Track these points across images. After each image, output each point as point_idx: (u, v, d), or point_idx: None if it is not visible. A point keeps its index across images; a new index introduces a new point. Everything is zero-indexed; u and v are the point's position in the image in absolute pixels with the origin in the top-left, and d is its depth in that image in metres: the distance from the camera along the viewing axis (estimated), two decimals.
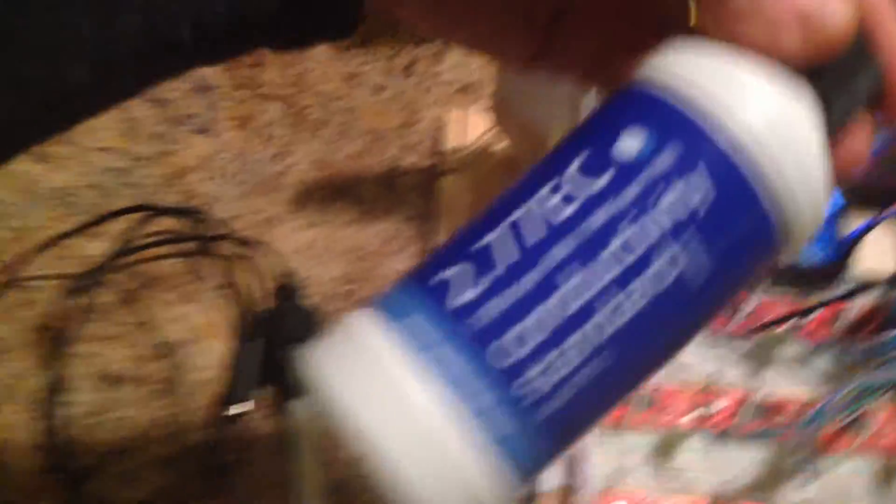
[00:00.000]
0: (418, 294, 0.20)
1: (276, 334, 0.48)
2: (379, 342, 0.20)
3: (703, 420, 0.45)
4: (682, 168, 0.20)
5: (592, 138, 0.21)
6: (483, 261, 0.20)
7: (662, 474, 0.44)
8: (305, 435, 0.45)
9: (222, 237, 0.52)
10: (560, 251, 0.19)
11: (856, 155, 0.23)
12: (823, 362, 0.46)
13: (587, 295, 0.19)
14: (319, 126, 0.58)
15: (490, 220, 0.21)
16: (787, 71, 0.21)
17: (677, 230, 0.19)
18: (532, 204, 0.20)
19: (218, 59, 0.24)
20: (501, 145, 0.55)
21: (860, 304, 0.48)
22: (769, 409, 0.45)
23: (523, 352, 0.19)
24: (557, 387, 0.19)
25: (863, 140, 0.23)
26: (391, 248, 0.53)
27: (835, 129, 0.22)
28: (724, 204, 0.20)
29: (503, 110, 0.49)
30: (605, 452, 0.44)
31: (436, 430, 0.19)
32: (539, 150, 0.51)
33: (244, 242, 0.52)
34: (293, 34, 0.24)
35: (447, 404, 0.19)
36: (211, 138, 0.58)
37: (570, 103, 0.45)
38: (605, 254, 0.19)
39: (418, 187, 0.55)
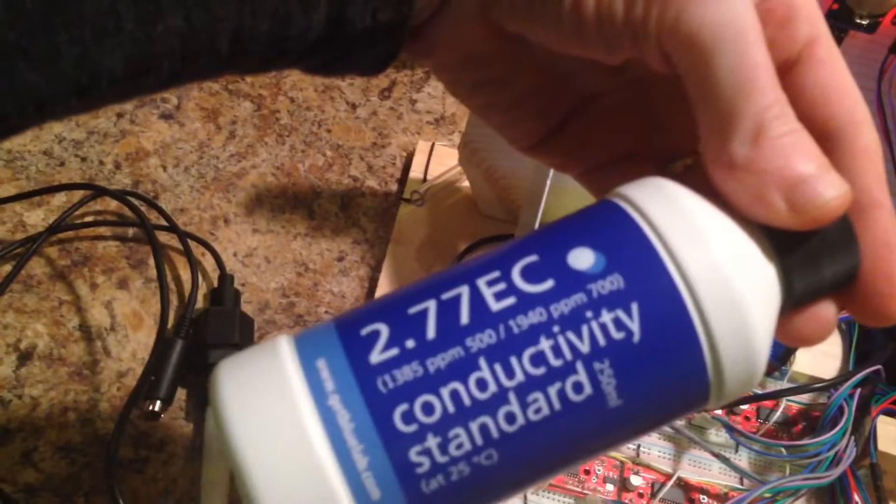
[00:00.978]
0: (345, 338, 0.20)
1: (202, 337, 0.47)
2: (292, 374, 0.19)
3: (620, 492, 0.44)
4: (616, 301, 0.19)
5: (546, 244, 0.21)
6: (415, 325, 0.20)
7: None
8: (216, 443, 0.44)
9: (165, 228, 0.51)
10: (484, 339, 0.19)
11: (814, 331, 0.22)
12: (745, 455, 0.46)
13: (494, 389, 0.19)
14: (286, 132, 0.58)
15: (431, 289, 0.21)
16: (762, 234, 0.21)
17: (591, 359, 0.19)
18: (473, 287, 0.20)
19: (249, 71, 0.24)
20: (464, 184, 0.55)
21: (790, 406, 0.48)
22: (686, 493, 0.44)
23: (428, 421, 0.19)
24: (451, 463, 0.19)
25: (826, 318, 0.22)
26: (334, 269, 0.52)
27: (796, 302, 0.21)
28: (646, 348, 0.19)
29: (469, 153, 0.49)
30: None
31: (320, 476, 0.18)
32: (498, 198, 0.51)
33: (187, 237, 0.51)
34: (327, 63, 0.25)
35: (341, 453, 0.18)
36: (174, 126, 0.57)
37: (536, 163, 0.45)
38: (516, 360, 0.19)
39: (372, 212, 0.55)
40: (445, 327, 0.19)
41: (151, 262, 0.50)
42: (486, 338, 0.19)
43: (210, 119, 0.57)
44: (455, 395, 0.19)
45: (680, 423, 0.46)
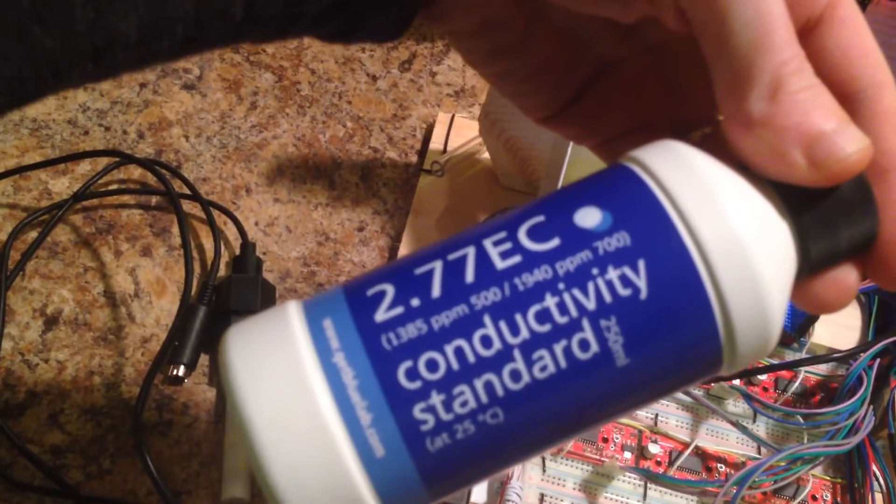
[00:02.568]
0: (351, 299, 0.20)
1: (225, 303, 0.47)
2: (298, 332, 0.19)
3: (638, 460, 0.45)
4: (622, 258, 0.19)
5: (553, 205, 0.21)
6: (421, 285, 0.20)
7: None
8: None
9: (189, 197, 0.52)
10: (489, 297, 0.19)
11: (835, 297, 0.22)
12: (763, 425, 0.46)
13: (499, 346, 0.19)
14: (307, 103, 0.58)
15: (438, 251, 0.21)
16: (777, 196, 0.20)
17: (597, 316, 0.19)
18: (480, 247, 0.20)
19: (265, 38, 0.24)
20: (484, 156, 0.55)
21: (808, 377, 0.48)
22: (704, 461, 0.45)
23: (433, 378, 0.19)
24: (456, 421, 0.19)
25: (846, 283, 0.22)
26: (354, 238, 0.52)
27: (813, 266, 0.21)
28: (654, 306, 0.19)
29: (490, 124, 0.49)
30: (538, 475, 0.44)
31: (324, 433, 0.18)
32: (518, 169, 0.51)
33: (209, 206, 0.51)
34: (342, 29, 0.24)
35: (345, 409, 0.18)
36: (197, 96, 0.57)
37: (556, 134, 0.45)
38: (521, 317, 0.19)
39: (392, 182, 0.55)
40: (450, 286, 0.20)
41: (174, 230, 0.51)
42: (491, 295, 0.19)
43: (232, 90, 0.58)
44: (459, 353, 0.19)
45: (698, 392, 0.46)
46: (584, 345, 0.19)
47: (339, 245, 0.52)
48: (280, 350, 0.19)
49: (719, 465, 0.45)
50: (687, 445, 0.45)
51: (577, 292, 0.19)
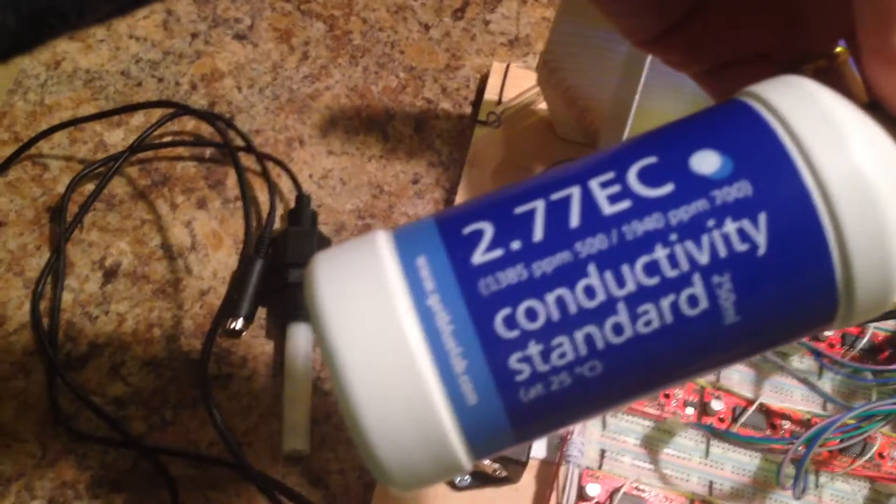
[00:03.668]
0: (446, 236, 0.19)
1: (281, 256, 0.47)
2: (390, 271, 0.19)
3: (701, 417, 0.44)
4: (741, 210, 0.18)
5: (667, 145, 0.19)
6: (521, 226, 0.19)
7: (648, 464, 0.43)
8: (297, 361, 0.44)
9: (244, 149, 0.51)
10: (594, 244, 0.18)
11: None
12: (829, 381, 0.45)
13: (603, 297, 0.18)
14: (359, 53, 0.57)
15: (539, 188, 0.20)
16: None
17: (710, 272, 0.18)
18: (585, 188, 0.19)
19: None
20: (541, 106, 0.54)
21: (876, 333, 0.47)
22: (768, 419, 0.44)
23: (531, 327, 0.18)
24: (552, 373, 0.18)
25: None
26: (409, 191, 0.52)
27: None
28: (772, 263, 0.18)
29: (548, 72, 0.48)
30: (598, 431, 0.43)
31: (417, 378, 0.18)
32: (577, 120, 0.50)
33: (264, 158, 0.51)
34: None
35: (439, 355, 0.18)
36: (248, 46, 0.56)
37: (620, 80, 0.44)
38: (628, 268, 0.18)
39: (447, 134, 0.54)
40: (553, 230, 0.19)
41: (229, 182, 0.51)
42: (597, 243, 0.18)
43: (283, 40, 0.57)
44: (560, 302, 0.18)
45: None
46: (692, 301, 0.18)
47: (394, 198, 0.51)
48: (373, 289, 0.18)
49: (784, 422, 0.44)
50: (750, 402, 0.44)
51: (689, 245, 0.18)
